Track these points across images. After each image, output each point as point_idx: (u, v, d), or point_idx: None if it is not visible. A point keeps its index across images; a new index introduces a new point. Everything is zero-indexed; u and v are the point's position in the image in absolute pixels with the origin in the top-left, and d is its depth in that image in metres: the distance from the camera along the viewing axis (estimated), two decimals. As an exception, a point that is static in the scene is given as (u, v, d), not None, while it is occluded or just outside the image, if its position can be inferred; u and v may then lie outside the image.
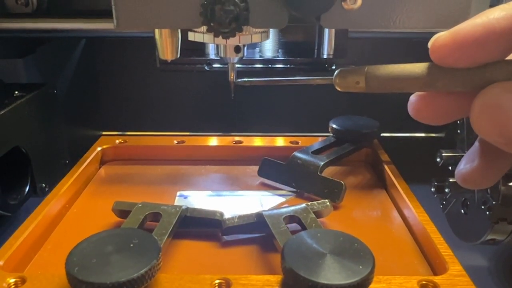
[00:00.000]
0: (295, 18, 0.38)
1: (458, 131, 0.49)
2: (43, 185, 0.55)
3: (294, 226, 0.38)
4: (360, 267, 0.29)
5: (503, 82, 0.21)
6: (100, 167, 0.52)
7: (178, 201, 0.44)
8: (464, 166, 0.25)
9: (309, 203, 0.39)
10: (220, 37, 0.38)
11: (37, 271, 0.35)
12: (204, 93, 0.74)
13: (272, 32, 0.60)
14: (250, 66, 0.62)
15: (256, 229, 0.38)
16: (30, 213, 0.39)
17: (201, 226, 0.39)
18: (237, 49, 0.45)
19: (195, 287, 0.31)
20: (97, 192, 0.47)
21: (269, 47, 0.63)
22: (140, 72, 0.73)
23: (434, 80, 0.23)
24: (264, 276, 0.32)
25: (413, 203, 0.41)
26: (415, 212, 0.39)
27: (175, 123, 0.75)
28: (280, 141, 0.55)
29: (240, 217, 0.38)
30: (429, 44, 0.22)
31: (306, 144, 0.51)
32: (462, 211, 0.50)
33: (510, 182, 0.42)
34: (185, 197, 0.45)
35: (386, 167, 0.48)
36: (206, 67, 0.62)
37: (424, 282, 0.31)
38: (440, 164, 0.49)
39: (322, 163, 0.45)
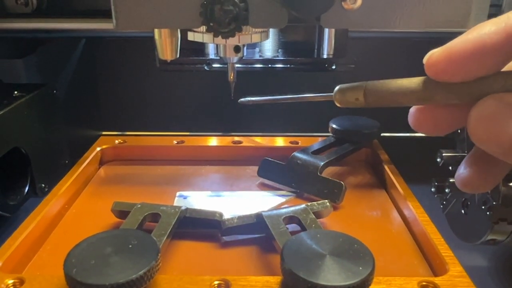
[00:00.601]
0: (294, 18, 0.38)
1: (459, 131, 0.49)
2: (43, 185, 0.55)
3: (294, 226, 0.37)
4: (360, 268, 0.28)
5: (497, 93, 0.21)
6: (99, 168, 0.52)
7: (177, 202, 0.44)
8: (464, 170, 0.25)
9: (308, 204, 0.39)
10: (220, 37, 0.38)
11: (36, 272, 0.35)
12: (204, 93, 0.74)
13: (272, 32, 0.60)
14: (250, 66, 0.62)
15: (255, 230, 0.38)
16: (30, 213, 0.39)
17: (200, 227, 0.39)
18: (237, 49, 0.45)
19: (194, 288, 0.30)
20: (96, 193, 0.47)
21: (269, 47, 0.63)
22: (140, 72, 0.73)
23: (431, 95, 0.23)
24: (264, 277, 0.32)
25: (413, 204, 0.41)
26: (415, 213, 0.39)
27: (175, 123, 0.75)
28: (280, 141, 0.55)
29: (239, 217, 0.38)
30: (424, 61, 0.23)
31: (306, 144, 0.51)
32: (462, 211, 0.50)
33: (510, 182, 0.42)
34: (185, 198, 0.45)
35: (386, 167, 0.48)
36: (206, 67, 0.62)
37: (424, 283, 0.31)
38: (440, 164, 0.49)
39: (322, 164, 0.45)
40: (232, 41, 0.42)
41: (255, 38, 0.44)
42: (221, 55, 0.45)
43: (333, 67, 0.61)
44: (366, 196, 0.46)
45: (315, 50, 0.63)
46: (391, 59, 0.66)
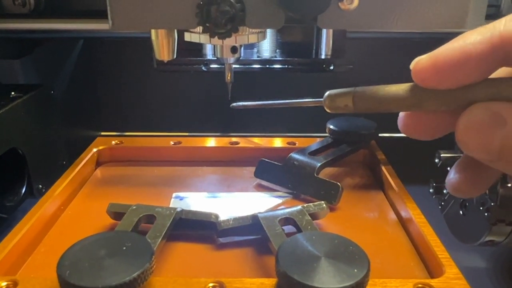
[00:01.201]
0: (291, 19, 0.37)
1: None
2: (40, 186, 0.55)
3: (290, 227, 0.37)
4: (355, 270, 0.28)
5: (484, 102, 0.22)
6: (96, 169, 0.52)
7: (174, 203, 0.44)
8: (454, 175, 0.25)
9: (305, 205, 0.38)
10: (216, 37, 0.38)
11: (30, 274, 0.34)
12: (202, 93, 0.74)
13: (269, 32, 0.60)
14: (247, 66, 0.62)
15: (251, 231, 0.38)
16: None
17: (196, 228, 0.38)
18: (234, 50, 0.45)
19: (189, 291, 0.30)
20: (92, 194, 0.46)
21: (266, 47, 0.62)
22: (138, 72, 0.73)
23: (419, 102, 0.23)
24: (259, 279, 0.31)
25: (410, 205, 0.40)
26: (412, 214, 0.39)
27: (173, 123, 0.75)
28: (277, 142, 0.54)
29: (235, 219, 0.38)
30: (411, 67, 0.23)
31: (303, 145, 0.51)
32: (461, 212, 0.50)
33: (508, 184, 0.42)
34: (181, 199, 0.45)
35: (383, 168, 0.47)
36: (203, 68, 0.62)
37: (420, 285, 0.31)
38: (438, 165, 0.49)
39: (319, 165, 0.45)
40: (229, 42, 0.42)
41: (252, 38, 0.43)
42: (218, 56, 0.45)
43: (331, 67, 0.60)
44: (363, 197, 0.46)
45: (313, 51, 0.63)
46: (389, 60, 0.66)
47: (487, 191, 0.44)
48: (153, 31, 0.42)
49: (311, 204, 0.39)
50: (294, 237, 0.32)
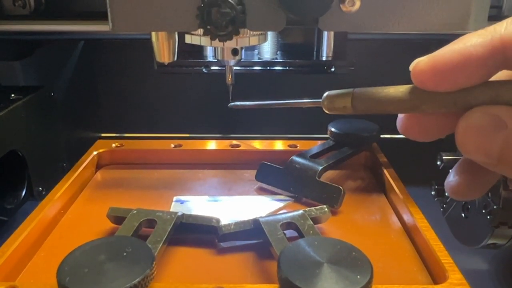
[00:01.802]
0: (292, 21, 0.37)
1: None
2: (40, 188, 0.55)
3: (292, 232, 0.37)
4: (358, 276, 0.28)
5: (483, 106, 0.22)
6: (96, 172, 0.51)
7: (174, 206, 0.44)
8: (453, 178, 0.26)
9: (306, 209, 0.38)
10: (217, 40, 0.38)
11: (30, 280, 0.34)
12: (203, 94, 0.74)
13: (270, 34, 0.59)
14: (248, 68, 0.62)
15: (253, 236, 0.38)
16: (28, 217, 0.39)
17: (197, 233, 0.38)
18: (235, 52, 0.45)
19: (190, 297, 0.30)
20: (92, 197, 0.46)
21: (267, 49, 0.62)
22: (139, 74, 0.73)
23: (418, 104, 0.23)
24: (260, 285, 0.31)
25: (412, 209, 0.40)
26: (414, 218, 0.39)
27: (174, 125, 0.75)
28: (278, 145, 0.54)
29: (236, 223, 0.37)
30: (410, 68, 0.23)
31: (305, 148, 0.51)
32: (463, 214, 0.49)
33: (511, 186, 0.42)
34: (182, 202, 0.45)
35: (385, 171, 0.47)
36: (204, 70, 0.61)
37: (423, 291, 0.31)
38: (440, 167, 0.49)
39: (320, 168, 0.45)
40: (230, 44, 0.42)
41: (253, 40, 0.43)
42: (219, 58, 0.45)
43: (332, 69, 0.60)
44: (365, 201, 0.46)
45: (314, 52, 0.63)
46: (391, 61, 0.66)
47: (489, 194, 0.44)
48: (153, 33, 0.42)
49: (313, 208, 0.38)
50: (296, 242, 0.31)
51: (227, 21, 0.36)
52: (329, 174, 0.49)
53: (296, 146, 0.53)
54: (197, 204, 0.45)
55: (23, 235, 0.36)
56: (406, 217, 0.41)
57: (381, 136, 0.53)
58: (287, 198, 0.46)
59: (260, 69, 0.62)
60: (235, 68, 0.48)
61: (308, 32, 0.63)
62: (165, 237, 0.34)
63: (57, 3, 0.53)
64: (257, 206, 0.44)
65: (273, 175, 0.47)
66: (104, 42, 0.72)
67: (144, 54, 0.66)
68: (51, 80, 0.66)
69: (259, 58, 0.63)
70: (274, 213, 0.42)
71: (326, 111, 0.28)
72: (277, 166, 0.47)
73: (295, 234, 0.37)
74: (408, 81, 0.24)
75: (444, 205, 0.54)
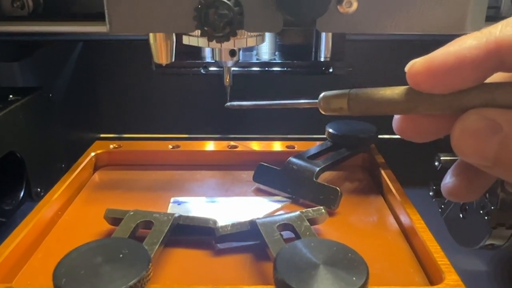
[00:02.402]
0: (290, 22, 0.37)
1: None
2: (39, 189, 0.55)
3: (289, 233, 0.37)
4: (354, 278, 0.28)
5: (478, 109, 0.22)
6: (94, 173, 0.51)
7: (172, 208, 0.44)
8: (449, 180, 0.26)
9: (303, 210, 0.38)
10: (214, 41, 0.38)
11: (27, 281, 0.34)
12: (202, 95, 0.74)
13: (268, 34, 0.59)
14: (247, 69, 0.62)
15: (250, 237, 0.38)
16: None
17: (194, 234, 0.38)
18: (232, 53, 0.45)
19: (186, 298, 0.30)
20: (90, 199, 0.46)
21: (266, 50, 0.62)
22: (138, 75, 0.73)
23: (414, 105, 0.23)
24: (257, 287, 0.31)
25: (409, 210, 0.40)
26: (411, 219, 0.39)
27: (173, 125, 0.75)
28: (276, 146, 0.54)
29: (233, 225, 0.38)
30: (406, 69, 0.23)
31: (303, 149, 0.51)
32: (461, 215, 0.49)
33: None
34: (179, 203, 0.45)
35: (383, 172, 0.47)
36: (202, 71, 0.61)
37: (419, 292, 0.31)
38: (438, 168, 0.49)
39: (318, 169, 0.45)
40: (227, 45, 0.42)
41: (251, 42, 0.43)
42: (217, 59, 0.45)
43: (330, 70, 0.60)
44: (363, 202, 0.46)
45: (313, 53, 0.63)
46: (389, 62, 0.66)
47: (487, 195, 0.44)
48: (151, 34, 0.42)
49: (310, 209, 0.38)
50: (292, 244, 0.31)
51: (225, 22, 0.36)
52: (327, 175, 0.49)
53: (293, 147, 0.53)
54: (195, 205, 0.45)
55: (21, 237, 0.36)
56: (403, 218, 0.41)
57: (380, 136, 0.53)
58: (285, 199, 0.46)
59: (258, 70, 0.62)
60: (233, 69, 0.48)
61: (306, 33, 0.63)
62: (161, 238, 0.34)
63: (56, 4, 0.53)
64: (254, 207, 0.44)
65: (270, 176, 0.47)
66: (103, 43, 0.72)
67: (143, 55, 0.66)
68: (50, 81, 0.66)
69: (257, 59, 0.63)
70: (271, 214, 0.42)
71: (322, 112, 0.28)
72: (274, 167, 0.47)
73: (292, 235, 0.37)
74: (406, 82, 0.24)
75: (442, 206, 0.54)
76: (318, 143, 0.52)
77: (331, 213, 0.42)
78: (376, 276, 0.34)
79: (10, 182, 0.53)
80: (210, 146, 0.54)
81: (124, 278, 0.28)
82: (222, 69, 0.48)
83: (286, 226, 0.37)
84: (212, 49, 0.45)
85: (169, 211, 0.43)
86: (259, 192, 0.47)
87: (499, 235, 0.45)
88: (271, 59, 0.63)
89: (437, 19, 0.38)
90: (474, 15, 0.38)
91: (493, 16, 0.49)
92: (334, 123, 0.52)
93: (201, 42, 0.42)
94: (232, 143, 0.54)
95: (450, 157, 0.49)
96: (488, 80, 0.22)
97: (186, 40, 0.43)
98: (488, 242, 0.45)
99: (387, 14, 0.38)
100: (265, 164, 0.48)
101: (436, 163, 0.49)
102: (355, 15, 0.37)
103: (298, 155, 0.47)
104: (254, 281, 0.34)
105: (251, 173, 0.49)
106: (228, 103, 0.41)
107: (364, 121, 0.53)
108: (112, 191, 0.48)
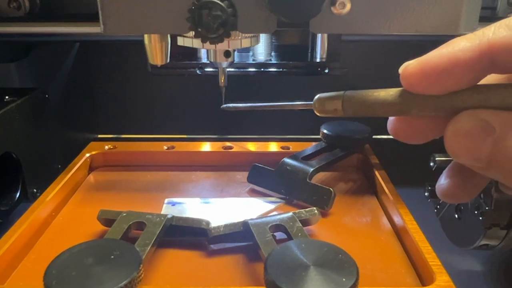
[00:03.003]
0: (284, 23, 0.37)
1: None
2: (35, 190, 0.55)
3: (282, 234, 0.37)
4: (344, 279, 0.28)
5: (471, 110, 0.22)
6: (89, 174, 0.51)
7: (165, 209, 0.44)
8: (444, 181, 0.26)
9: (296, 211, 0.38)
10: (208, 42, 0.38)
11: (19, 282, 0.34)
12: (199, 95, 0.74)
13: (264, 35, 0.59)
14: (243, 70, 0.62)
15: (243, 238, 0.38)
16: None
17: (187, 235, 0.38)
18: (227, 54, 0.45)
19: (177, 299, 0.30)
20: (84, 200, 0.46)
21: (262, 51, 0.62)
22: (134, 75, 0.73)
23: (408, 107, 0.23)
24: None
25: (402, 210, 0.40)
26: (404, 220, 0.39)
27: (170, 126, 0.75)
28: (271, 147, 0.54)
29: (226, 226, 0.38)
30: (399, 71, 0.23)
31: (297, 150, 0.51)
32: (456, 216, 0.49)
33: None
34: (173, 204, 0.45)
35: (376, 173, 0.47)
36: (198, 71, 0.61)
37: (410, 293, 0.31)
38: (433, 169, 0.49)
39: (311, 170, 0.45)
40: (222, 46, 0.42)
41: (245, 43, 0.43)
42: (212, 60, 0.45)
43: (326, 71, 0.60)
44: (356, 203, 0.46)
45: (309, 54, 0.63)
46: (385, 63, 0.66)
47: (481, 195, 0.44)
48: (146, 35, 0.42)
49: (302, 210, 0.39)
50: (283, 245, 0.31)
51: (218, 23, 0.36)
52: (321, 176, 0.49)
53: (288, 148, 0.53)
54: (189, 206, 0.45)
55: (14, 238, 0.36)
56: (396, 219, 0.41)
57: (377, 137, 0.53)
58: (279, 200, 0.46)
59: (254, 71, 0.62)
60: (229, 69, 0.48)
61: (302, 34, 0.63)
62: (154, 239, 0.35)
63: (52, 5, 0.53)
64: (248, 208, 0.44)
65: (264, 177, 0.47)
66: (100, 44, 0.72)
67: (139, 56, 0.66)
68: (46, 82, 0.66)
69: (253, 60, 0.63)
70: (265, 215, 0.42)
71: (317, 114, 0.28)
72: (268, 168, 0.47)
73: (285, 236, 0.37)
74: (401, 84, 0.24)
75: (438, 206, 0.54)
76: (314, 143, 0.52)
77: (324, 214, 0.42)
78: (368, 277, 0.34)
79: (6, 183, 0.53)
80: (205, 147, 0.54)
81: (115, 279, 0.28)
82: (217, 69, 0.48)
83: (278, 227, 0.37)
84: (207, 50, 0.46)
85: (163, 212, 0.43)
86: (253, 193, 0.48)
87: (494, 236, 0.45)
88: (267, 60, 0.63)
89: (431, 20, 0.38)
90: (468, 16, 0.38)
91: (490, 16, 0.49)
92: (329, 124, 0.52)
93: (195, 43, 0.42)
94: (227, 143, 0.54)
95: (445, 157, 0.49)
96: (482, 82, 0.22)
97: (180, 41, 0.44)
98: (482, 242, 0.45)
99: (381, 15, 0.38)
100: (260, 165, 0.48)
101: (431, 164, 0.49)
102: (348, 16, 0.37)
103: (292, 156, 0.48)
104: (246, 282, 0.34)
105: (245, 174, 0.49)
106: (224, 105, 0.41)
107: (359, 122, 0.53)
108: (107, 192, 0.48)
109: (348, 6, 0.37)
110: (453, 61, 0.21)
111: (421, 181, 0.53)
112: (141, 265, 0.29)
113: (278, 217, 0.37)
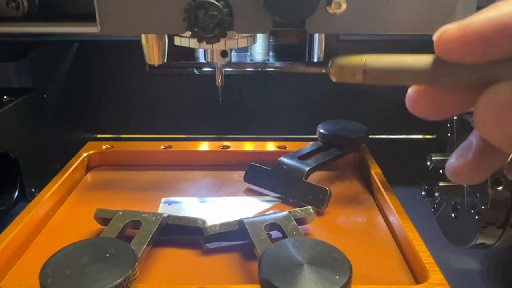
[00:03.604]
0: (280, 23, 0.37)
1: (448, 134, 0.49)
2: (33, 190, 0.55)
3: (278, 232, 0.37)
4: (337, 277, 0.28)
5: (511, 81, 0.20)
6: (86, 173, 0.52)
7: (162, 208, 0.44)
8: (456, 160, 0.24)
9: (292, 210, 0.38)
10: (205, 42, 0.38)
11: (16, 281, 0.34)
12: (196, 95, 0.74)
13: (262, 35, 0.59)
14: (240, 69, 0.62)
15: (238, 237, 0.38)
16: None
17: (183, 234, 0.38)
18: (224, 54, 0.45)
19: (172, 297, 0.30)
20: (82, 199, 0.46)
21: (259, 50, 0.62)
22: (133, 75, 0.73)
23: (437, 75, 0.22)
24: (243, 286, 0.32)
25: (397, 209, 0.40)
26: (398, 219, 0.39)
27: (168, 125, 0.75)
28: (268, 146, 0.54)
29: (221, 224, 0.38)
30: (435, 37, 0.21)
31: (294, 149, 0.51)
32: (453, 215, 0.50)
33: (498, 186, 0.42)
34: (170, 203, 0.45)
35: (372, 172, 0.47)
36: (196, 71, 0.62)
37: (403, 291, 0.31)
38: (430, 168, 0.49)
39: (308, 169, 0.45)
40: (219, 46, 0.42)
41: (242, 42, 0.43)
42: (209, 60, 0.45)
43: (323, 71, 0.60)
44: (352, 202, 0.46)
45: (306, 54, 0.63)
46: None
47: (477, 194, 0.44)
48: (143, 35, 0.42)
49: (298, 209, 0.39)
50: (277, 243, 0.32)
51: (214, 23, 0.36)
52: (317, 175, 0.49)
53: (285, 147, 0.54)
54: (185, 205, 0.45)
55: (10, 237, 0.36)
56: (391, 218, 0.41)
57: (375, 136, 0.53)
58: (275, 199, 0.46)
59: (251, 70, 0.62)
60: (227, 69, 0.48)
61: (300, 34, 0.63)
62: (149, 238, 0.35)
63: (51, 5, 0.53)
64: (244, 207, 0.45)
65: (261, 176, 0.47)
66: (98, 44, 0.72)
67: (138, 56, 0.66)
68: (45, 82, 0.66)
69: (251, 60, 0.63)
70: (260, 214, 0.42)
71: (333, 79, 0.25)
72: (265, 167, 0.48)
73: (280, 235, 0.37)
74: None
75: (435, 206, 0.54)
76: (311, 143, 0.52)
77: (320, 213, 0.42)
78: (362, 275, 0.34)
79: (4, 182, 0.54)
80: (202, 146, 0.54)
81: (110, 278, 0.28)
82: (215, 69, 0.48)
83: (273, 225, 0.37)
84: (205, 50, 0.46)
85: (159, 211, 0.43)
86: (250, 192, 0.48)
87: (490, 234, 0.45)
88: (264, 60, 0.63)
89: (424, 19, 0.38)
90: (462, 15, 0.38)
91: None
92: (326, 123, 0.52)
93: (192, 43, 0.42)
94: (224, 143, 0.54)
95: (441, 157, 0.49)
96: None
97: (177, 41, 0.44)
98: (479, 241, 0.45)
99: (376, 15, 0.38)
100: (256, 164, 0.48)
101: (428, 163, 0.49)
102: (344, 16, 0.38)
103: (289, 155, 0.48)
104: (241, 281, 0.34)
105: (242, 173, 0.49)
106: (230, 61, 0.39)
107: (358, 119, 0.53)
108: (104, 191, 0.48)
109: (344, 6, 0.37)
110: (502, 26, 0.19)
111: (418, 180, 0.53)
112: (136, 264, 0.29)
113: (274, 216, 0.38)
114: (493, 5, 0.20)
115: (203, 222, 0.38)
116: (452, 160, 0.24)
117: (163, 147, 0.53)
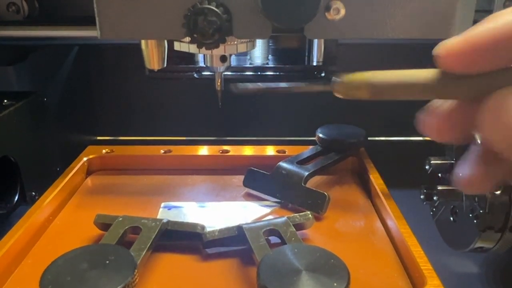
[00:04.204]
0: (279, 29, 0.38)
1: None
2: (33, 193, 0.55)
3: (277, 238, 0.37)
4: (335, 284, 0.28)
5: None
6: (86, 178, 0.52)
7: (162, 213, 0.44)
8: (467, 172, 0.23)
9: (290, 216, 0.39)
10: (204, 47, 0.38)
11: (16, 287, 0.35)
12: (196, 98, 0.74)
13: (261, 39, 0.60)
14: (240, 73, 0.62)
15: (237, 242, 0.38)
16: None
17: (182, 239, 0.39)
18: (223, 59, 0.45)
19: (171, 304, 0.31)
20: (82, 204, 0.47)
21: (259, 54, 0.63)
22: (133, 78, 0.73)
23: (439, 88, 0.22)
24: (242, 292, 0.32)
25: (395, 214, 0.40)
26: (396, 224, 0.39)
27: (168, 128, 0.75)
28: (267, 150, 0.54)
29: (220, 230, 0.38)
30: (436, 52, 0.21)
31: (293, 153, 0.51)
32: (451, 218, 0.50)
33: (496, 190, 0.42)
34: (170, 208, 0.45)
35: (371, 176, 0.47)
36: (195, 75, 0.62)
37: (400, 297, 0.31)
38: (429, 172, 0.49)
39: (306, 174, 0.45)
40: (218, 51, 0.42)
41: (241, 48, 0.44)
42: (208, 65, 0.46)
43: (322, 74, 0.61)
44: (351, 207, 0.46)
45: (306, 58, 0.63)
46: (382, 66, 0.66)
47: (476, 198, 0.44)
48: (143, 40, 0.42)
49: (296, 215, 0.39)
50: (276, 250, 0.32)
51: (213, 29, 0.37)
52: (316, 179, 0.49)
53: (284, 152, 0.54)
54: (185, 210, 0.45)
55: (10, 243, 0.36)
56: (389, 223, 0.41)
57: (373, 138, 0.53)
58: (274, 204, 0.46)
59: (251, 74, 0.63)
60: (226, 73, 0.48)
61: (299, 38, 0.64)
62: (149, 244, 0.35)
63: (51, 9, 0.53)
64: (243, 212, 0.45)
65: (260, 181, 0.48)
66: (98, 48, 0.72)
67: (138, 59, 0.66)
68: (45, 85, 0.66)
69: (250, 63, 0.63)
70: (259, 219, 0.42)
71: (338, 96, 0.26)
72: (264, 172, 0.48)
73: (279, 240, 0.37)
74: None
75: (434, 209, 0.54)
76: (311, 147, 0.52)
77: (318, 218, 0.43)
78: (360, 281, 0.34)
79: (4, 186, 0.54)
80: (201, 151, 0.54)
81: (110, 284, 0.28)
82: (214, 73, 0.48)
83: (272, 231, 0.37)
84: (204, 55, 0.46)
85: (159, 216, 0.44)
86: (249, 197, 0.48)
87: (488, 238, 0.45)
88: (264, 64, 0.63)
89: (423, 24, 0.38)
90: (461, 18, 0.38)
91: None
92: (324, 127, 0.52)
93: (191, 48, 0.43)
94: (224, 147, 0.54)
95: (440, 160, 0.49)
96: None
97: (177, 46, 0.44)
98: (477, 245, 0.46)
99: (375, 20, 0.38)
100: (255, 169, 0.48)
101: (427, 167, 0.49)
102: (342, 21, 0.38)
103: (288, 160, 0.48)
104: (240, 286, 0.35)
105: (242, 178, 0.49)
106: (238, 85, 0.39)
107: (354, 126, 0.53)
108: (104, 196, 0.48)
109: (343, 12, 0.37)
110: (502, 36, 0.19)
111: (417, 184, 0.54)
112: (136, 270, 0.30)
113: (272, 221, 0.38)
114: (488, 17, 0.20)
115: (202, 227, 0.38)
116: (462, 172, 0.23)
117: (163, 152, 0.53)
